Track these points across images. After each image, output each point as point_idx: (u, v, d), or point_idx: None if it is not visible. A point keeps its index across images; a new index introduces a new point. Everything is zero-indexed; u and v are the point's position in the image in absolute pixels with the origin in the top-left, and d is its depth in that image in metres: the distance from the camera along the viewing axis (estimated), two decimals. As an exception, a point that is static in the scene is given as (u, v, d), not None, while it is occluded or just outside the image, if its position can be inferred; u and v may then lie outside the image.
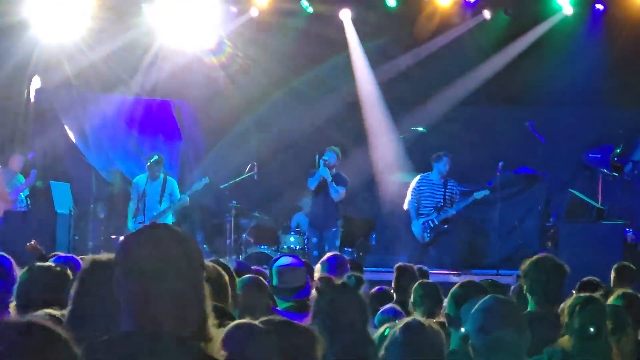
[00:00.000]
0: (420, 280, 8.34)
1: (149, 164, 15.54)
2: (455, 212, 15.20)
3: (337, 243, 15.16)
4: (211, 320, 3.02)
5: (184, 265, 2.98)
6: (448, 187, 15.22)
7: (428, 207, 15.10)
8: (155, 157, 15.64)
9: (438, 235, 15.07)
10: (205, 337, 2.97)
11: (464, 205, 15.25)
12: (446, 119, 18.09)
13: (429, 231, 15.01)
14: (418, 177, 15.37)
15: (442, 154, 15.34)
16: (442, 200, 15.11)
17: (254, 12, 17.95)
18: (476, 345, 4.41)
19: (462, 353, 4.80)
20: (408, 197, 15.31)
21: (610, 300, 6.09)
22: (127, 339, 2.95)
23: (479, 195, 15.14)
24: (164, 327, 2.92)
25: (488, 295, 4.62)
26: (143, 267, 2.94)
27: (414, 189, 15.27)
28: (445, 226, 15.16)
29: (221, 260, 5.36)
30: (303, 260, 6.72)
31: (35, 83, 17.53)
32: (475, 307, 4.49)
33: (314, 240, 15.08)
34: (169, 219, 15.50)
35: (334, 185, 14.84)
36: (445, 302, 7.52)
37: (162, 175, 15.66)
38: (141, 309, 2.94)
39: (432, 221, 14.99)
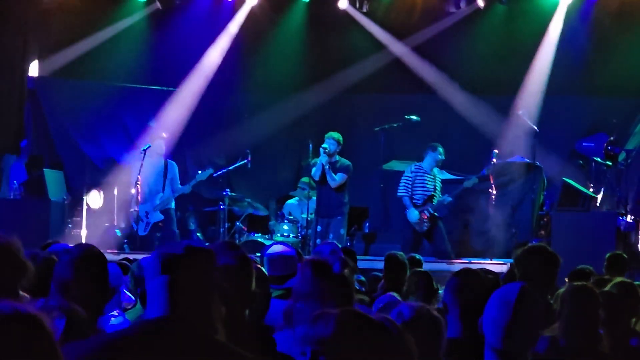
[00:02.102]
0: (414, 269, 8.36)
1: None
2: (452, 200, 15.14)
3: (343, 231, 15.11)
4: (218, 312, 3.26)
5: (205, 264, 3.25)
6: (437, 176, 15.19)
7: (420, 196, 15.04)
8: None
9: (434, 225, 15.04)
10: (213, 326, 3.20)
11: (455, 194, 15.20)
12: (440, 108, 18.10)
13: (426, 220, 14.95)
14: (412, 166, 15.30)
15: (437, 144, 15.28)
16: (433, 190, 15.05)
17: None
18: (488, 337, 4.37)
19: (466, 343, 4.80)
20: (400, 185, 15.25)
21: (606, 289, 6.10)
22: (153, 324, 3.17)
23: (468, 183, 15.09)
24: (186, 317, 3.14)
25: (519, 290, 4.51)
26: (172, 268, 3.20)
27: (407, 177, 15.20)
28: (439, 214, 15.12)
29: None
30: (295, 248, 6.73)
31: (30, 71, 17.53)
32: (504, 299, 4.38)
33: (319, 228, 15.04)
34: (171, 204, 15.80)
35: (331, 173, 14.83)
36: (440, 290, 7.57)
37: (162, 160, 15.85)
38: (168, 300, 3.18)
39: (428, 210, 14.93)
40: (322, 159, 14.85)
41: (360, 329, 2.84)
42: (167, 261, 3.24)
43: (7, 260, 3.68)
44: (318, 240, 14.72)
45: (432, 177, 15.09)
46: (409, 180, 15.13)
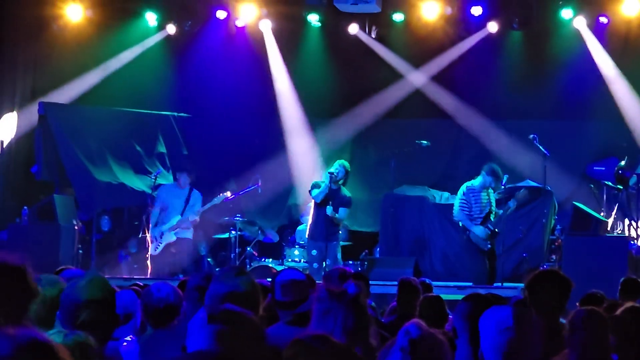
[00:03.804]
0: (424, 294, 8.37)
1: (177, 174, 16.37)
2: (507, 212, 14.90)
3: (339, 256, 15.11)
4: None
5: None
6: (491, 193, 14.98)
7: (481, 216, 14.84)
8: (185, 170, 16.52)
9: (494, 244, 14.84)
10: None
11: (513, 207, 14.97)
12: (451, 132, 18.11)
13: (489, 238, 14.74)
14: (463, 187, 15.12)
15: (494, 168, 14.97)
16: (489, 206, 14.84)
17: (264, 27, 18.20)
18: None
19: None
20: (457, 208, 15.03)
21: (616, 314, 6.07)
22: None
23: (520, 192, 14.92)
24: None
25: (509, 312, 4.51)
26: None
27: (463, 199, 14.96)
28: (497, 229, 14.90)
29: None
30: (305, 274, 6.74)
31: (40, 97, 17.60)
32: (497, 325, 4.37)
33: (314, 252, 15.02)
34: (188, 234, 16.04)
35: (333, 210, 14.86)
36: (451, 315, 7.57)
37: (188, 187, 16.17)
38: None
39: (487, 227, 14.75)
40: (326, 180, 14.91)
41: None
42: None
43: (17, 284, 3.66)
44: (315, 265, 14.73)
45: (486, 193, 14.90)
46: (464, 201, 14.89)
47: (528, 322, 4.21)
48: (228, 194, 16.13)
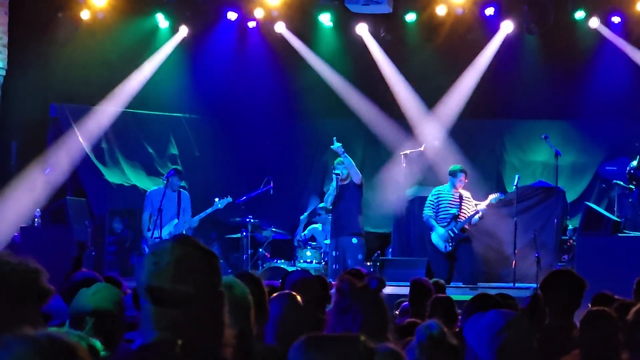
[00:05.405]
0: (435, 295, 8.36)
1: (168, 177, 15.71)
2: (475, 218, 15.03)
3: (361, 257, 15.08)
4: (228, 330, 3.08)
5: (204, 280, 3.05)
6: (464, 198, 15.13)
7: (446, 218, 15.00)
8: (176, 169, 16.05)
9: (459, 246, 14.94)
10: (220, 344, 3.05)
11: (482, 210, 15.08)
12: (463, 132, 18.08)
13: (450, 241, 14.90)
14: (434, 189, 15.30)
15: (458, 169, 15.23)
16: (458, 211, 15.00)
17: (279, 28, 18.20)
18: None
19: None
20: (425, 209, 15.23)
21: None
22: (153, 347, 3.00)
23: (494, 200, 15.05)
24: (182, 336, 2.97)
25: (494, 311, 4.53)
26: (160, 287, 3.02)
27: (431, 200, 15.20)
28: (465, 234, 15.03)
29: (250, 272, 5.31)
30: (318, 274, 6.77)
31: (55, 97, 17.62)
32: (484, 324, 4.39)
33: (334, 253, 15.01)
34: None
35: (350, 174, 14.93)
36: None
37: (177, 190, 15.90)
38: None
39: (452, 230, 14.89)
40: (334, 183, 14.94)
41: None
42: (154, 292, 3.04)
43: (32, 286, 3.69)
44: (336, 266, 14.70)
45: (457, 198, 15.04)
46: (431, 204, 15.14)
47: (520, 323, 4.20)
48: (230, 199, 15.94)
